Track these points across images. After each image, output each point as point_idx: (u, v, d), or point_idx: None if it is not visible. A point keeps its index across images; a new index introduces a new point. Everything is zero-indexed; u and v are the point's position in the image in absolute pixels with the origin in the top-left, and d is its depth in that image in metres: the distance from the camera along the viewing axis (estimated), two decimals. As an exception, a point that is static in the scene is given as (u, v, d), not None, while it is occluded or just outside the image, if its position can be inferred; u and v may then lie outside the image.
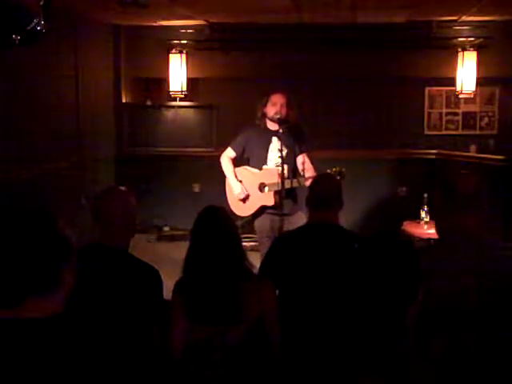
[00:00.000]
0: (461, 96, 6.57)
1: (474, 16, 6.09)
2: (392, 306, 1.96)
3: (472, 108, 6.72)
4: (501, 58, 6.43)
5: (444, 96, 6.73)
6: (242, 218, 4.53)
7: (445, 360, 1.99)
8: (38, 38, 2.68)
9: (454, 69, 6.47)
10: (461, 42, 6.49)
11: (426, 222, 5.04)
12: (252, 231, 4.63)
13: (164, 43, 6.70)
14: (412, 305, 1.97)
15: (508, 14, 6.06)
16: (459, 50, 6.45)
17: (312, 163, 4.38)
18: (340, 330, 2.43)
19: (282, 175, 4.09)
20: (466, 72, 6.40)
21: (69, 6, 5.12)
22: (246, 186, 4.45)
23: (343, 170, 4.07)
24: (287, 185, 4.16)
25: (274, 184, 4.25)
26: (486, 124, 6.73)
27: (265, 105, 4.41)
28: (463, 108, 6.73)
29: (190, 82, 6.74)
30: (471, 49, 6.41)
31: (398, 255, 1.99)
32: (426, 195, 5.05)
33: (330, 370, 2.48)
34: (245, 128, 4.55)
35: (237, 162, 4.57)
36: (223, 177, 4.56)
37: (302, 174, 4.29)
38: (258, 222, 4.44)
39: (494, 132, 6.72)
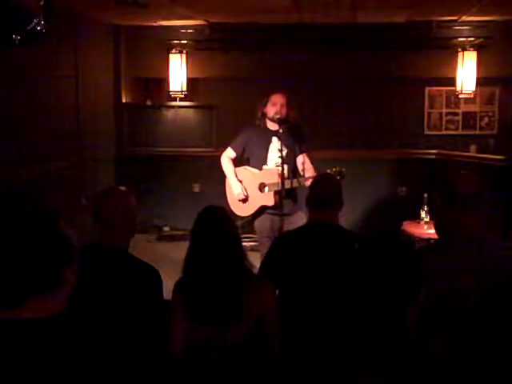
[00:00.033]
0: (461, 96, 6.57)
1: (474, 16, 6.09)
2: (392, 306, 1.96)
3: (472, 108, 6.71)
4: (501, 58, 6.42)
5: (444, 96, 6.72)
6: (242, 218, 4.53)
7: (445, 360, 1.99)
8: (37, 38, 2.68)
9: (454, 69, 6.47)
10: (461, 41, 6.49)
11: (426, 222, 5.05)
12: (252, 231, 4.63)
13: (164, 43, 6.70)
14: (412, 305, 1.97)
15: (508, 14, 6.06)
16: (459, 49, 6.44)
17: (312, 163, 4.38)
18: (340, 330, 2.43)
19: (282, 175, 4.09)
20: (466, 72, 6.39)
21: (69, 5, 5.12)
22: (246, 186, 4.45)
23: (343, 170, 4.07)
24: (287, 185, 4.16)
25: (274, 184, 4.25)
26: (486, 124, 6.73)
27: (265, 105, 4.41)
28: (463, 108, 6.73)
29: (190, 82, 6.73)
30: (471, 49, 6.40)
31: (398, 255, 1.99)
32: (426, 195, 5.06)
33: (330, 369, 2.48)
34: (245, 128, 4.55)
35: (237, 162, 4.58)
36: (223, 177, 4.56)
37: (302, 173, 4.29)
38: (257, 222, 4.44)
39: (494, 132, 6.71)
